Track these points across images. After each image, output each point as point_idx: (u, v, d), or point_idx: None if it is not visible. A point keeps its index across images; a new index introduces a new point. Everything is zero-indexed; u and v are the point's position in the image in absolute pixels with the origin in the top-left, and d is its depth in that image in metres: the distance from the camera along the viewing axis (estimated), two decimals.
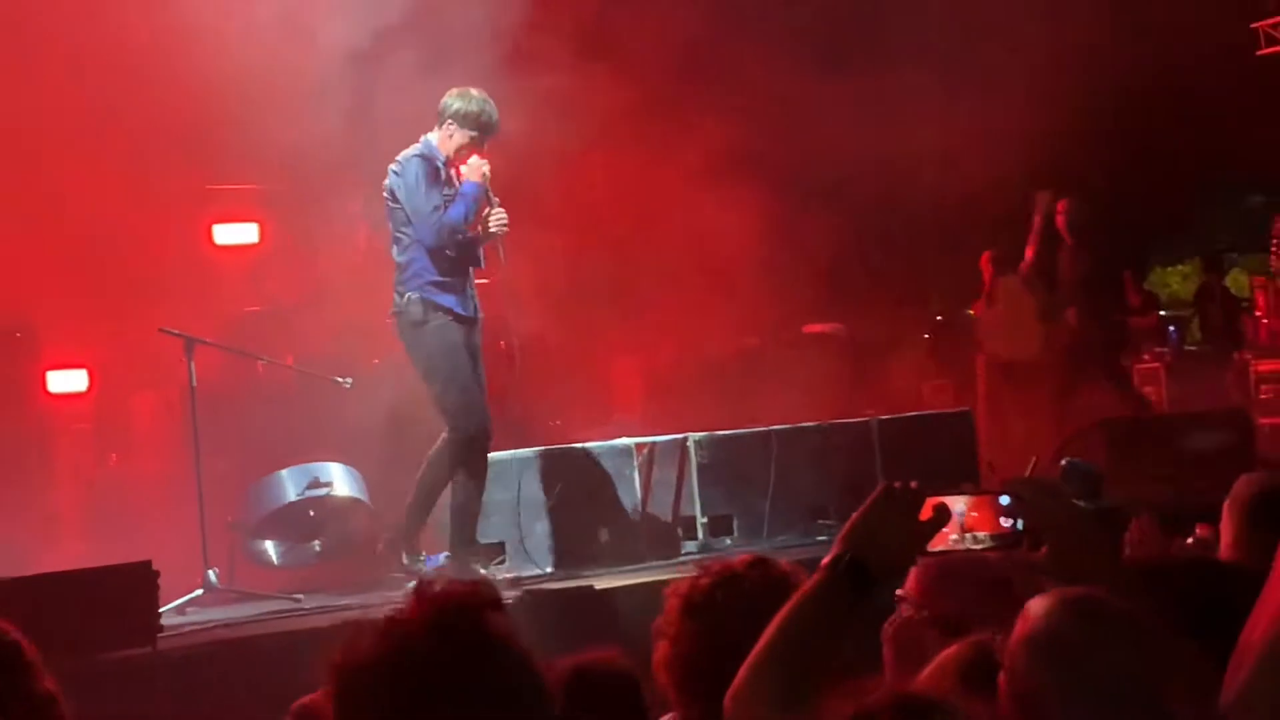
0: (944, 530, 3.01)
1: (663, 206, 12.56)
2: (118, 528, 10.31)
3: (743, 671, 2.89)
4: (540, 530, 9.52)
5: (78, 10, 10.58)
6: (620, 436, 10.48)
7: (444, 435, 8.97)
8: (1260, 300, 16.62)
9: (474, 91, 8.96)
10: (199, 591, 8.93)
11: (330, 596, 9.12)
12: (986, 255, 16.84)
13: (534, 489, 9.68)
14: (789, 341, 14.99)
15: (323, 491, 10.17)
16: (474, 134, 8.90)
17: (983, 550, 3.07)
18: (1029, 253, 14.83)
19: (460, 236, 8.84)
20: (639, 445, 10.19)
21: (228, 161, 11.74)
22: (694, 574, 3.55)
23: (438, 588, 2.30)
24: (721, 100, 13.68)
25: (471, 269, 9.08)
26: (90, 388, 11.69)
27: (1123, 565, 3.30)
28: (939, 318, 18.85)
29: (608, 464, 9.97)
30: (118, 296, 10.92)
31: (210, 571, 9.03)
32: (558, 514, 9.55)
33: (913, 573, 3.79)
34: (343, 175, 11.88)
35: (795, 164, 14.34)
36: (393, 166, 8.96)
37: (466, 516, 9.00)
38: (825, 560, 2.98)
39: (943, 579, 3.89)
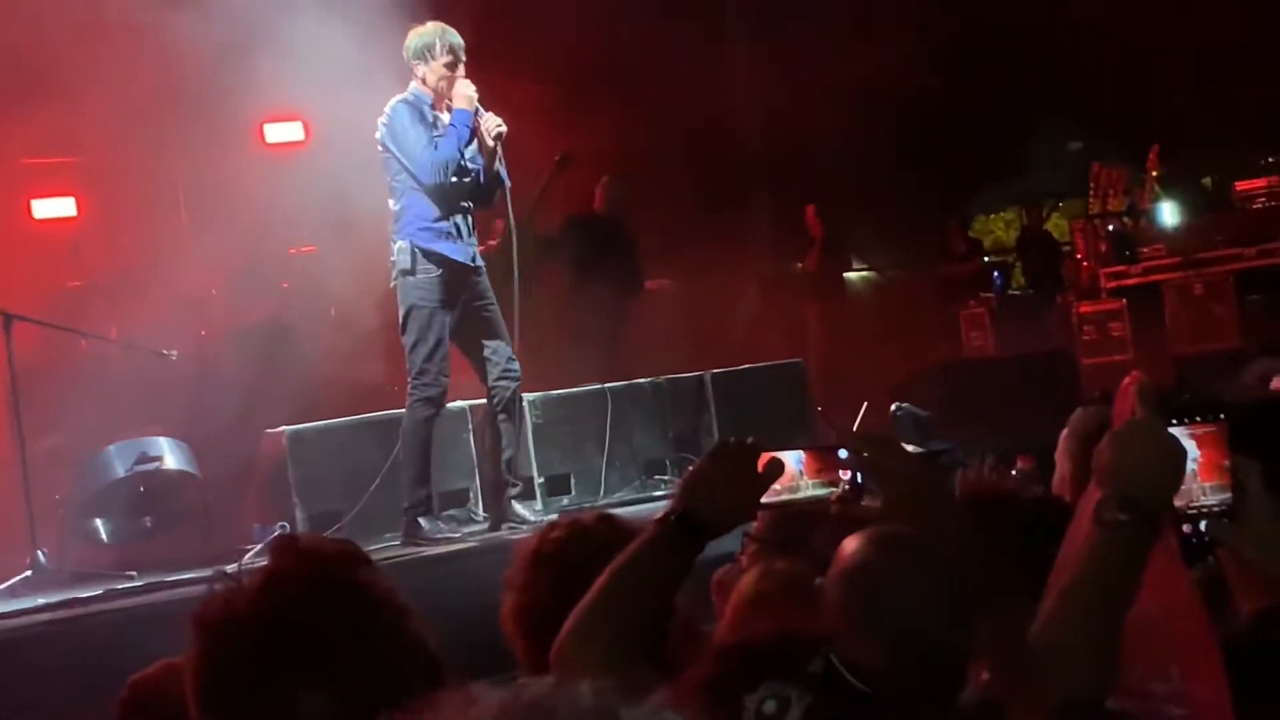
0: (779, 483, 3.03)
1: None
2: None
3: (570, 620, 2.90)
4: (379, 498, 9.47)
5: None
6: (454, 400, 10.45)
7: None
8: (1080, 244, 16.95)
9: (427, 24, 8.81)
10: (28, 573, 8.76)
11: (163, 572, 8.99)
12: (811, 208, 17.02)
13: (369, 456, 9.63)
14: None
15: (152, 466, 10.00)
16: (446, 61, 8.70)
17: (819, 501, 3.10)
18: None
19: (457, 167, 8.66)
20: (473, 408, 10.15)
21: (44, 134, 11.51)
22: (542, 529, 3.60)
23: (302, 543, 2.26)
24: (543, 53, 13.68)
25: (469, 214, 8.89)
26: None
27: (957, 507, 3.35)
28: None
29: (442, 427, 9.91)
30: None
31: (39, 552, 8.86)
32: (391, 481, 9.49)
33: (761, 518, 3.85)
34: (161, 145, 11.72)
35: (623, 117, 14.33)
36: (380, 118, 8.78)
37: (403, 474, 8.98)
38: (659, 514, 3.00)
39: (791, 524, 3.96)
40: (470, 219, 8.93)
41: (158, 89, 11.01)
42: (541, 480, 10.19)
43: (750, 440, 3.01)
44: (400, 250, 8.71)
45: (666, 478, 10.52)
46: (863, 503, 3.05)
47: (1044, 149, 19.61)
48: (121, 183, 12.10)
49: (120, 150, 11.72)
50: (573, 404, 10.63)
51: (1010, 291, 18.20)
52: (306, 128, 12.81)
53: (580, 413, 10.59)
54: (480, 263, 8.99)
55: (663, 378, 11.13)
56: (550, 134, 12.10)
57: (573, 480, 10.41)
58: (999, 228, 24.31)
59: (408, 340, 8.80)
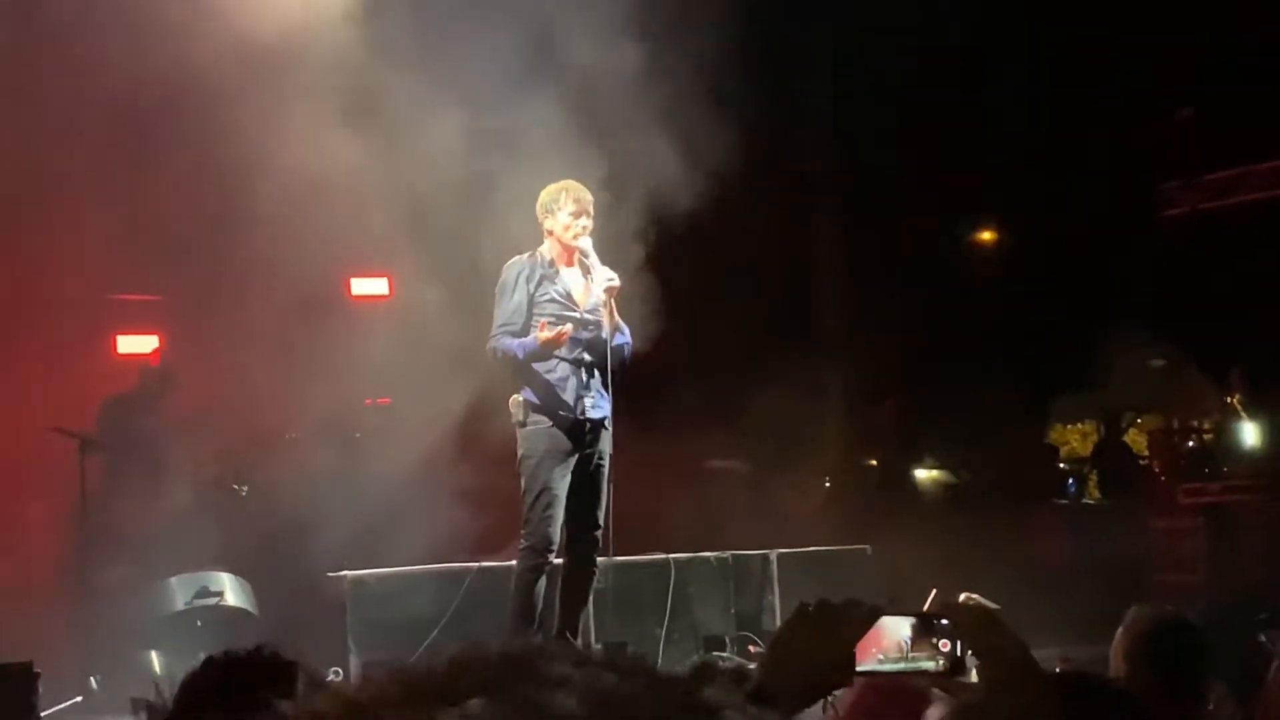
0: (883, 651, 2.81)
1: None
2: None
3: None
4: (436, 650, 9.37)
5: None
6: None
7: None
8: (1158, 458, 16.80)
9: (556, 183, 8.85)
10: (78, 699, 8.73)
11: None
12: (891, 399, 17.02)
13: (429, 606, 9.58)
14: (691, 475, 14.92)
15: (212, 601, 9.98)
16: (570, 210, 8.67)
17: (917, 673, 2.93)
18: None
19: (574, 320, 8.66)
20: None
21: (133, 271, 11.67)
22: None
23: None
24: None
25: (592, 368, 8.78)
26: None
27: (1056, 693, 3.21)
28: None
29: (506, 586, 9.85)
30: (10, 401, 10.78)
31: (93, 678, 8.84)
32: (449, 634, 9.43)
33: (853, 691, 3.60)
34: (248, 290, 11.84)
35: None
36: None
37: (515, 621, 8.85)
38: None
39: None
40: (596, 372, 8.81)
41: (247, 239, 11.15)
42: (598, 645, 10.07)
43: (837, 602, 2.75)
44: (514, 402, 8.77)
45: (725, 655, 10.39)
46: (960, 679, 2.87)
47: (1125, 362, 19.55)
48: (206, 323, 12.20)
49: (206, 292, 11.85)
50: (635, 572, 10.51)
51: (1084, 501, 18.03)
52: (390, 282, 12.92)
53: (642, 581, 10.49)
54: (600, 416, 8.83)
55: (728, 553, 11.04)
56: None
57: (629, 650, 10.27)
58: (1075, 439, 24.19)
59: (521, 490, 8.80)
